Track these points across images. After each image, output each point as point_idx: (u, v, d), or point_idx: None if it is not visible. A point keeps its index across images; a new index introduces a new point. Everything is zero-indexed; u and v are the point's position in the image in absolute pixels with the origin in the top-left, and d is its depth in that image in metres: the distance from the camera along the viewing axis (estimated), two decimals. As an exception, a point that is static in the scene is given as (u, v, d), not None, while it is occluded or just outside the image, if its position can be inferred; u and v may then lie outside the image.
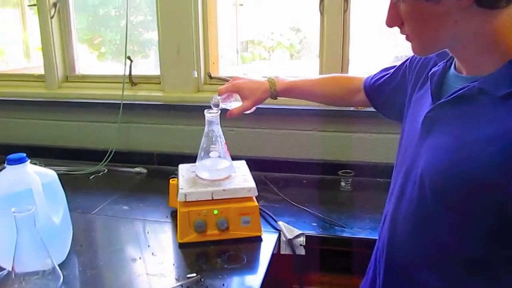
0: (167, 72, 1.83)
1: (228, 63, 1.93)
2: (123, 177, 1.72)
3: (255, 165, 1.42)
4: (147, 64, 2.07)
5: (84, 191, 1.59)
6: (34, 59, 2.26)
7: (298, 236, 1.23)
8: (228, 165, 1.26)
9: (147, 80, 1.91)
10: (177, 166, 1.37)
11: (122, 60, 1.80)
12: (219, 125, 1.25)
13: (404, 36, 0.77)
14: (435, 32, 0.72)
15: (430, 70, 0.85)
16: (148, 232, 1.27)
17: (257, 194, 1.22)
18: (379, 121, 1.63)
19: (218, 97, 1.18)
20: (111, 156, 1.78)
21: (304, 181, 1.65)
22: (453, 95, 0.75)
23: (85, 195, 1.55)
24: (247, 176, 1.28)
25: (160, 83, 1.88)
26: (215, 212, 1.19)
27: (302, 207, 1.40)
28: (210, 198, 1.19)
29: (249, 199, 1.22)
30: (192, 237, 1.18)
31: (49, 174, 1.13)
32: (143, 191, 1.59)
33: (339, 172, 1.57)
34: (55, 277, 0.98)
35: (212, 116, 1.23)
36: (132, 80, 1.88)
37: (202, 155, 1.26)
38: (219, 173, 1.25)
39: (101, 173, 1.74)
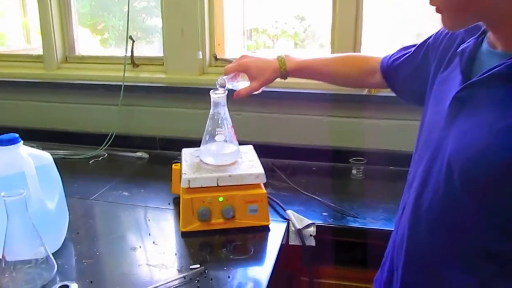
0: (170, 53, 1.75)
1: (234, 48, 1.85)
2: (124, 162, 1.65)
3: (262, 151, 1.35)
4: (151, 51, 1.98)
5: (83, 176, 1.52)
6: (35, 43, 2.18)
7: (308, 226, 1.16)
8: (235, 150, 1.19)
9: (149, 61, 1.83)
10: (180, 151, 1.29)
11: (125, 46, 1.72)
12: (225, 107, 1.17)
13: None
14: (468, 3, 0.65)
15: (458, 47, 0.77)
16: (149, 220, 1.20)
17: (265, 180, 1.14)
18: (392, 106, 1.56)
19: (224, 77, 1.11)
20: (112, 140, 1.71)
21: (314, 169, 1.57)
22: (487, 74, 0.67)
23: (83, 180, 1.48)
24: (255, 161, 1.20)
25: (163, 65, 1.80)
26: (220, 199, 1.12)
27: (312, 196, 1.33)
28: (215, 185, 1.12)
29: (257, 186, 1.15)
30: (196, 225, 1.11)
31: (44, 157, 1.06)
32: (144, 176, 1.52)
33: (350, 160, 1.50)
34: (48, 267, 0.92)
35: (218, 97, 1.15)
36: (134, 62, 1.80)
37: (207, 138, 1.18)
38: (225, 158, 1.18)
39: (101, 157, 1.67)
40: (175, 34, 1.71)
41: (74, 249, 1.07)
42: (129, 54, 1.76)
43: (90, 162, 1.63)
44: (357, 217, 1.22)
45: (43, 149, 1.73)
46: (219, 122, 1.17)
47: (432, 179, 0.74)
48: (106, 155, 1.69)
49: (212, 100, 1.16)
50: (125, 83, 1.71)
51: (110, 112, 1.77)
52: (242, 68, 1.11)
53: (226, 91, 1.14)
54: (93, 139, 1.75)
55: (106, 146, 1.71)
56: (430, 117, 0.81)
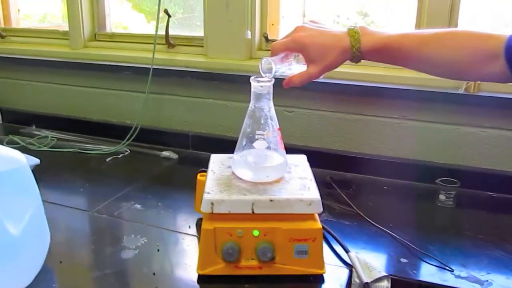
0: (212, 32, 1.43)
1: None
2: (147, 162, 1.35)
3: (318, 160, 1.01)
4: (192, 29, 1.67)
5: (93, 178, 1.23)
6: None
7: (379, 279, 0.80)
8: (281, 162, 0.85)
9: (188, 41, 1.52)
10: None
11: (156, 22, 1.42)
12: (270, 101, 0.83)
13: None
14: None
15: None
16: (158, 250, 0.88)
17: (321, 210, 0.79)
18: (499, 111, 1.16)
19: (272, 58, 0.76)
20: (136, 134, 1.41)
21: (385, 188, 1.20)
22: None
23: (93, 184, 1.19)
24: (308, 180, 0.85)
25: (203, 46, 1.48)
26: (256, 233, 0.78)
27: (385, 230, 0.96)
28: (250, 212, 0.78)
29: (309, 217, 0.80)
30: (218, 268, 0.78)
31: (12, 158, 0.76)
32: (167, 184, 1.21)
33: (437, 181, 1.11)
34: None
35: (261, 86, 0.81)
36: (169, 41, 1.49)
37: (243, 144, 0.85)
38: (266, 172, 0.83)
39: (121, 155, 1.38)
40: (219, 9, 1.38)
41: (50, 286, 0.77)
42: (162, 32, 1.46)
43: (107, 160, 1.34)
44: (451, 270, 0.84)
45: (58, 139, 1.50)
46: (262, 121, 0.83)
47: None
48: (128, 152, 1.39)
49: (252, 89, 0.82)
50: (155, 66, 1.40)
51: (138, 101, 1.48)
52: (297, 45, 0.76)
53: (273, 78, 0.80)
54: (116, 132, 1.46)
55: (128, 141, 1.41)
56: None
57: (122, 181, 1.20)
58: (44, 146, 1.43)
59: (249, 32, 1.38)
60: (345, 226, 0.99)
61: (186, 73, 1.42)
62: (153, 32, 1.40)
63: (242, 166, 0.84)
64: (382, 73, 1.25)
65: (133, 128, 1.41)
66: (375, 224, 0.98)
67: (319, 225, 0.79)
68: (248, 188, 0.81)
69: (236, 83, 1.37)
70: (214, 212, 0.78)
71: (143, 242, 0.90)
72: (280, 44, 0.78)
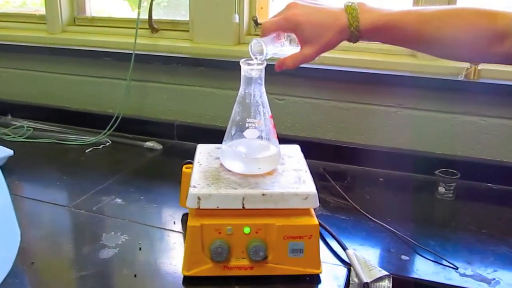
0: (198, 16, 1.35)
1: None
2: (129, 154, 1.27)
3: (311, 150, 0.94)
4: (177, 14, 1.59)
5: (71, 171, 1.15)
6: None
7: (380, 279, 0.74)
8: (274, 153, 0.78)
9: (172, 26, 1.44)
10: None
11: (138, 4, 1.33)
12: (262, 86, 0.76)
13: None
14: None
15: None
16: (140, 249, 0.81)
17: (317, 205, 0.73)
18: (501, 99, 1.10)
19: (262, 39, 0.70)
20: (117, 124, 1.33)
21: (381, 180, 1.14)
22: None
23: (71, 177, 1.11)
24: (303, 172, 0.79)
25: (188, 31, 1.40)
26: (247, 230, 0.71)
27: (384, 225, 0.90)
28: (240, 207, 0.71)
29: (305, 212, 0.74)
30: (206, 268, 0.72)
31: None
32: (151, 176, 1.14)
33: (436, 172, 1.05)
34: None
35: (251, 68, 0.74)
36: (152, 25, 1.41)
37: (232, 133, 0.78)
38: (258, 164, 0.77)
39: (102, 145, 1.30)
40: (205, -10, 1.31)
41: (19, 291, 0.70)
42: (144, 16, 1.38)
43: (87, 151, 1.26)
44: (455, 268, 0.79)
45: (34, 129, 1.41)
46: (252, 108, 0.76)
47: None
48: (109, 142, 1.31)
49: (242, 73, 0.75)
50: (137, 52, 1.32)
51: (120, 88, 1.40)
52: (289, 24, 0.69)
53: (265, 61, 0.73)
54: (97, 121, 1.38)
55: (109, 131, 1.33)
56: None
57: (102, 174, 1.12)
58: (19, 136, 1.34)
59: (237, 16, 1.31)
60: (341, 221, 0.93)
61: (171, 58, 1.34)
62: (135, 17, 1.32)
63: (232, 157, 0.77)
64: (378, 59, 1.19)
65: (114, 117, 1.33)
66: (373, 219, 0.93)
67: (315, 221, 0.73)
68: (238, 181, 0.74)
69: (224, 69, 1.30)
70: (201, 207, 0.71)
71: (124, 239, 0.83)
72: (271, 23, 0.71)
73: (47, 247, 0.82)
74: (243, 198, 0.71)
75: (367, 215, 0.94)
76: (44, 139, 1.33)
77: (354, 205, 0.98)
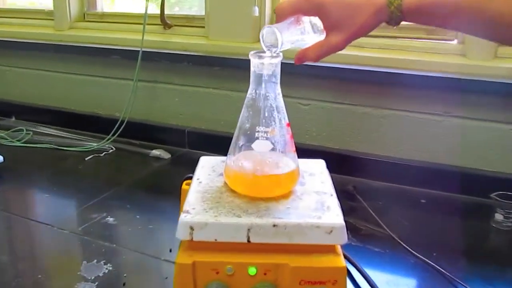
0: (214, 10, 1.21)
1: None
2: (133, 163, 1.13)
3: (339, 164, 0.79)
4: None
5: (64, 181, 1.02)
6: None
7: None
8: (290, 170, 0.62)
9: (187, 21, 1.30)
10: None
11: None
12: (277, 85, 0.60)
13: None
14: None
15: None
16: (124, 284, 0.66)
17: (346, 241, 0.56)
18: None
19: (276, 25, 0.54)
20: (122, 129, 1.19)
21: (423, 201, 0.96)
22: None
23: (61, 189, 0.98)
24: (328, 195, 0.62)
25: (204, 27, 1.26)
26: (252, 271, 0.55)
27: (428, 261, 0.73)
28: (245, 240, 0.55)
29: (328, 250, 0.57)
30: (199, 318, 0.56)
31: None
32: (153, 190, 1.00)
33: (492, 195, 0.86)
34: None
35: (262, 63, 0.58)
36: (165, 21, 1.27)
37: (239, 144, 0.62)
38: (269, 185, 0.61)
39: (104, 153, 1.16)
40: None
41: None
42: (153, 11, 1.24)
43: (87, 158, 1.13)
44: (525, 325, 0.60)
45: (34, 134, 1.29)
46: (264, 114, 0.60)
47: None
48: (113, 149, 1.18)
49: (252, 69, 0.60)
50: (146, 49, 1.19)
51: (127, 90, 1.26)
52: (311, 5, 0.54)
53: (281, 53, 0.57)
54: (101, 126, 1.26)
55: (114, 137, 1.20)
56: None
57: (98, 186, 0.98)
58: (17, 141, 1.22)
59: (257, 9, 1.16)
60: (374, 255, 0.75)
61: (183, 57, 1.20)
62: (150, 12, 1.18)
63: (237, 174, 0.61)
64: (423, 59, 1.01)
65: (119, 122, 1.19)
66: (414, 253, 0.75)
67: (342, 262, 0.56)
68: (244, 207, 0.58)
69: (241, 70, 1.12)
70: (195, 239, 0.55)
71: (106, 270, 0.69)
72: (289, 4, 0.55)
73: (12, 276, 0.68)
74: (249, 230, 0.55)
75: (407, 247, 0.76)
76: (43, 144, 1.21)
77: (391, 233, 0.81)
